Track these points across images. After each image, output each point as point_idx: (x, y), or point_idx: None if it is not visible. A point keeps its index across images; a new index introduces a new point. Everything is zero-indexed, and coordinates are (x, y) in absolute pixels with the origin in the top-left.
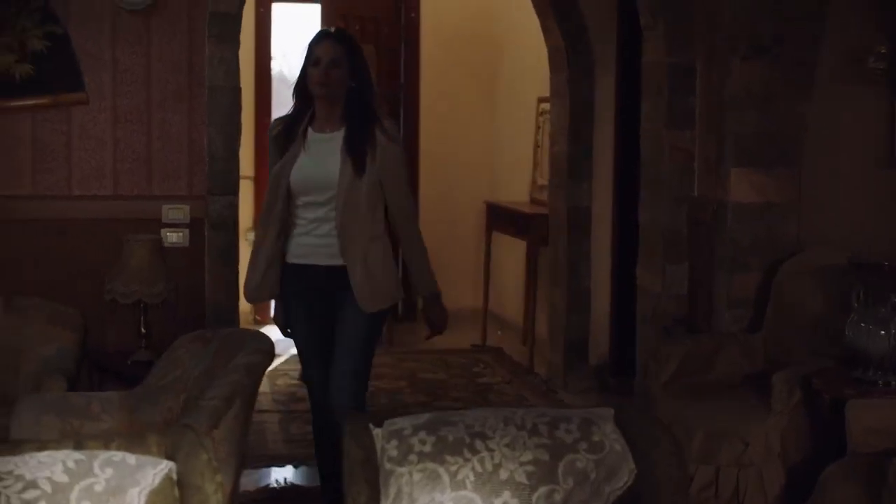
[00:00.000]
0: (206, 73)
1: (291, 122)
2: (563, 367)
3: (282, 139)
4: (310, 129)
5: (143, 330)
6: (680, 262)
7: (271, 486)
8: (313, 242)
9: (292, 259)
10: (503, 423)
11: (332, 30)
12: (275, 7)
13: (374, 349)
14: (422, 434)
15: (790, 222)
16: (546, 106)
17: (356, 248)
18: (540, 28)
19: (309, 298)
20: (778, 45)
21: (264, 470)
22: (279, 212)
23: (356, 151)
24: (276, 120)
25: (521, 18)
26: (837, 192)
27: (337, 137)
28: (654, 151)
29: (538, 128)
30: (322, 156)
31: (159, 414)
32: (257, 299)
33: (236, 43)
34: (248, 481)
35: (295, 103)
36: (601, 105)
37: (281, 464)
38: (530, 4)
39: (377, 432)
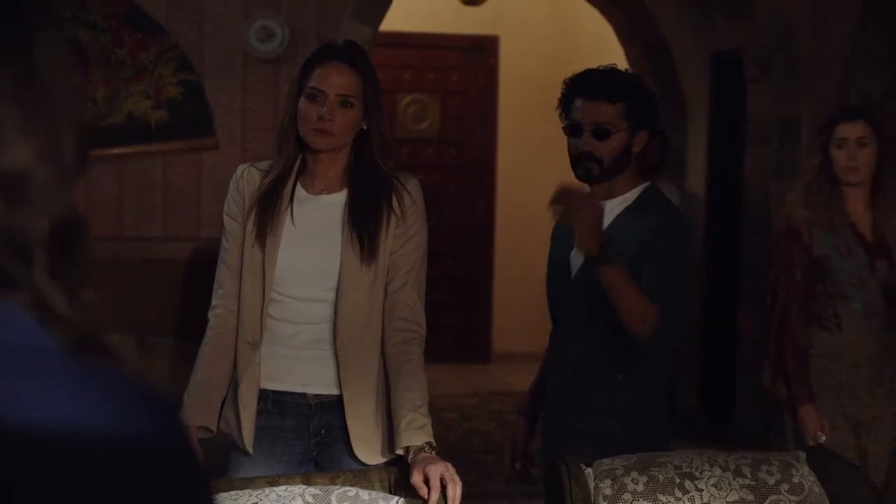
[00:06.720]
0: None
1: (276, 178)
2: None
3: (255, 196)
4: (299, 188)
5: None
6: None
7: None
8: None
9: None
10: (708, 464)
11: (342, 45)
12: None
13: None
14: (634, 474)
15: None
16: None
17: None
18: None
19: None
20: (888, 100)
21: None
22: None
23: (366, 225)
24: (247, 167)
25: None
26: None
27: (336, 203)
28: (758, 200)
29: None
30: (317, 229)
31: None
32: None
33: None
34: None
35: (279, 150)
36: (692, 152)
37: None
38: (615, 52)
39: (588, 472)
